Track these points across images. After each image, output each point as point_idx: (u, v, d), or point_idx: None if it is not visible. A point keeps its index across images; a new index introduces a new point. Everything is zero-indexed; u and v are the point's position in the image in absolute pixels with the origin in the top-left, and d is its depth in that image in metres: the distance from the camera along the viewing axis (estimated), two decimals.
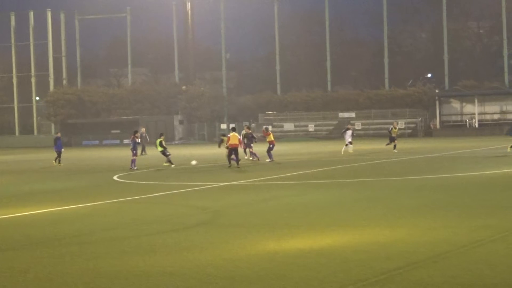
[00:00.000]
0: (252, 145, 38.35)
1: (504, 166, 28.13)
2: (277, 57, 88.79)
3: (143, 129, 53.89)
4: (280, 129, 79.79)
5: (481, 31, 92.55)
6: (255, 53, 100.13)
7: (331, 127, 79.64)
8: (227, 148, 35.09)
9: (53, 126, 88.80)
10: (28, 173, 36.19)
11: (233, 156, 33.65)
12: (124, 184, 27.48)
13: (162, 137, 36.93)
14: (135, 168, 34.70)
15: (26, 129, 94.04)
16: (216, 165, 36.07)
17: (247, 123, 68.51)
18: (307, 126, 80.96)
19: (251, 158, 38.17)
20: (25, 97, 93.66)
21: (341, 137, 50.14)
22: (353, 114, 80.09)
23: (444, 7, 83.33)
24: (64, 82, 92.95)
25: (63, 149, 42.51)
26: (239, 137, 35.62)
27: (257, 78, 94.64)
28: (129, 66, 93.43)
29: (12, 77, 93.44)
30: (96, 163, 42.67)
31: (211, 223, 16.13)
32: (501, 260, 10.74)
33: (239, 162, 33.80)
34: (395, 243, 12.37)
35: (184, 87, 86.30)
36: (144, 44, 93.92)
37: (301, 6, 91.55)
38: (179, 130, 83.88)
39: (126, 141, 65.93)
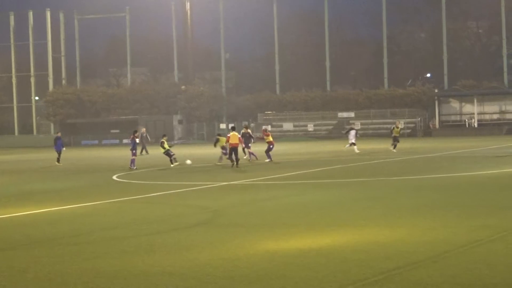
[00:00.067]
0: (250, 145, 38.33)
1: (504, 166, 28.14)
2: (276, 57, 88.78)
3: (144, 129, 53.82)
4: (279, 129, 79.72)
5: (480, 31, 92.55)
6: (254, 53, 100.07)
7: (330, 127, 79.65)
8: (222, 148, 35.04)
9: (52, 126, 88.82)
10: (28, 173, 36.18)
11: (232, 156, 33.63)
12: (124, 184, 27.48)
13: (165, 137, 36.92)
14: (135, 168, 34.72)
15: (26, 129, 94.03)
16: (216, 165, 36.03)
17: (246, 123, 68.46)
18: (306, 126, 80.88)
19: (249, 158, 38.12)
20: (24, 97, 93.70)
21: (343, 136, 50.08)
22: (352, 114, 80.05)
23: (444, 7, 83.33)
24: (64, 82, 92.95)
25: (64, 148, 42.48)
26: (239, 136, 35.58)
27: (256, 78, 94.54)
28: (128, 66, 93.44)
29: (11, 77, 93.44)
30: (95, 163, 42.68)
31: (210, 223, 16.12)
32: (500, 260, 10.74)
33: (239, 162, 33.79)
34: (395, 243, 12.38)
35: (183, 87, 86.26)
36: (143, 44, 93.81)
37: (300, 6, 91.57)
38: (178, 130, 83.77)
39: (125, 141, 65.95)
